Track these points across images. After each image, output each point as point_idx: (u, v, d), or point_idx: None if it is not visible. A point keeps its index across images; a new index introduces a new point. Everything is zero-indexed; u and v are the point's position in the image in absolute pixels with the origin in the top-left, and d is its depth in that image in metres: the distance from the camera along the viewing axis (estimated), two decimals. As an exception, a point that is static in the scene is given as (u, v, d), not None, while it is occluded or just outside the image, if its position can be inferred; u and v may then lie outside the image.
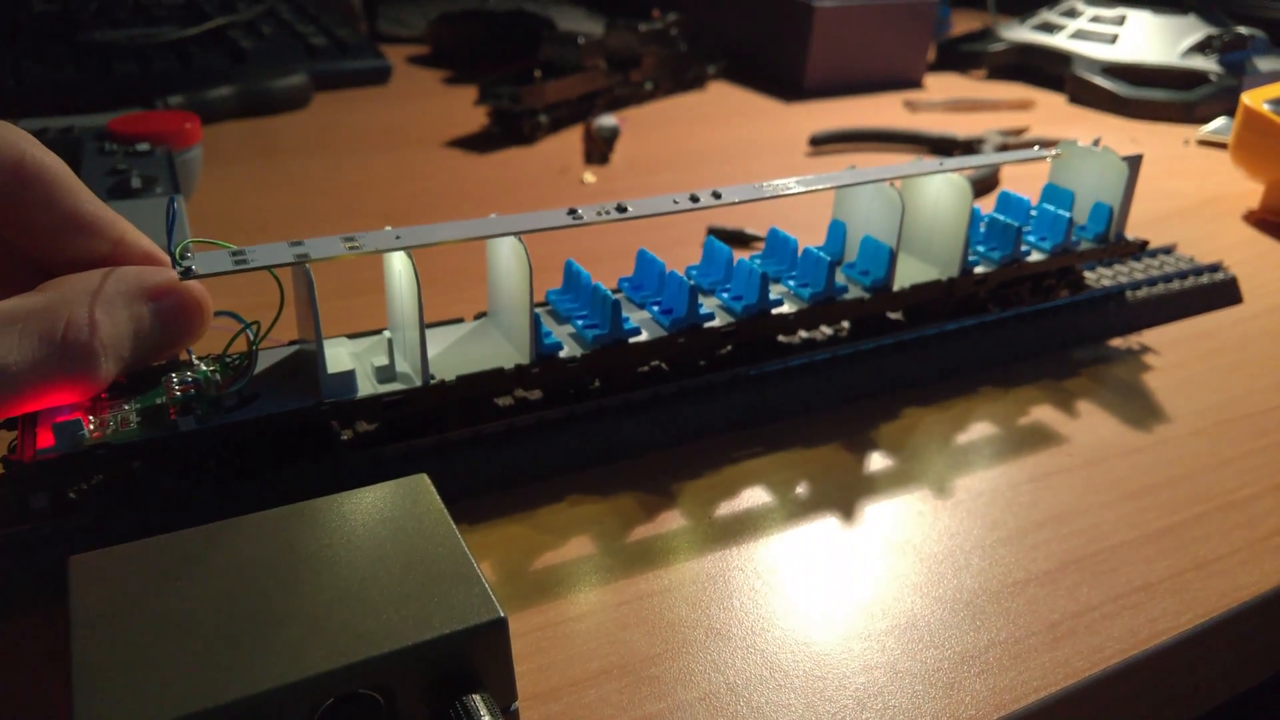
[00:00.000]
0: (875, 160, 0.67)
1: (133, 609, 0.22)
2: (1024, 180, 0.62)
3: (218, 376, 0.30)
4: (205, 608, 0.22)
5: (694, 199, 0.33)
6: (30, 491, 0.28)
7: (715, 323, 0.34)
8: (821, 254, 0.36)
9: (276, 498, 0.28)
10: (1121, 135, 0.75)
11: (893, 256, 0.36)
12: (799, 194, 0.35)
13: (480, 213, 0.54)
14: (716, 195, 0.33)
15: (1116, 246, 0.42)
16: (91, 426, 0.28)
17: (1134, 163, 0.41)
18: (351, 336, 0.33)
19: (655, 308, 0.34)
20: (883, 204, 0.37)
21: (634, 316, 0.34)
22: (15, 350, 0.24)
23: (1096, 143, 0.42)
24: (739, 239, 0.51)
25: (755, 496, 0.33)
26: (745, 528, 0.31)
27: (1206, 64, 0.81)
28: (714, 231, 0.51)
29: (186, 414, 0.28)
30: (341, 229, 0.51)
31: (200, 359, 0.31)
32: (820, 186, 0.35)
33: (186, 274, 0.27)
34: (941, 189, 0.38)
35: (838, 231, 0.39)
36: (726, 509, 0.32)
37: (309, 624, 0.22)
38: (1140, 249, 0.43)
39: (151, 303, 0.27)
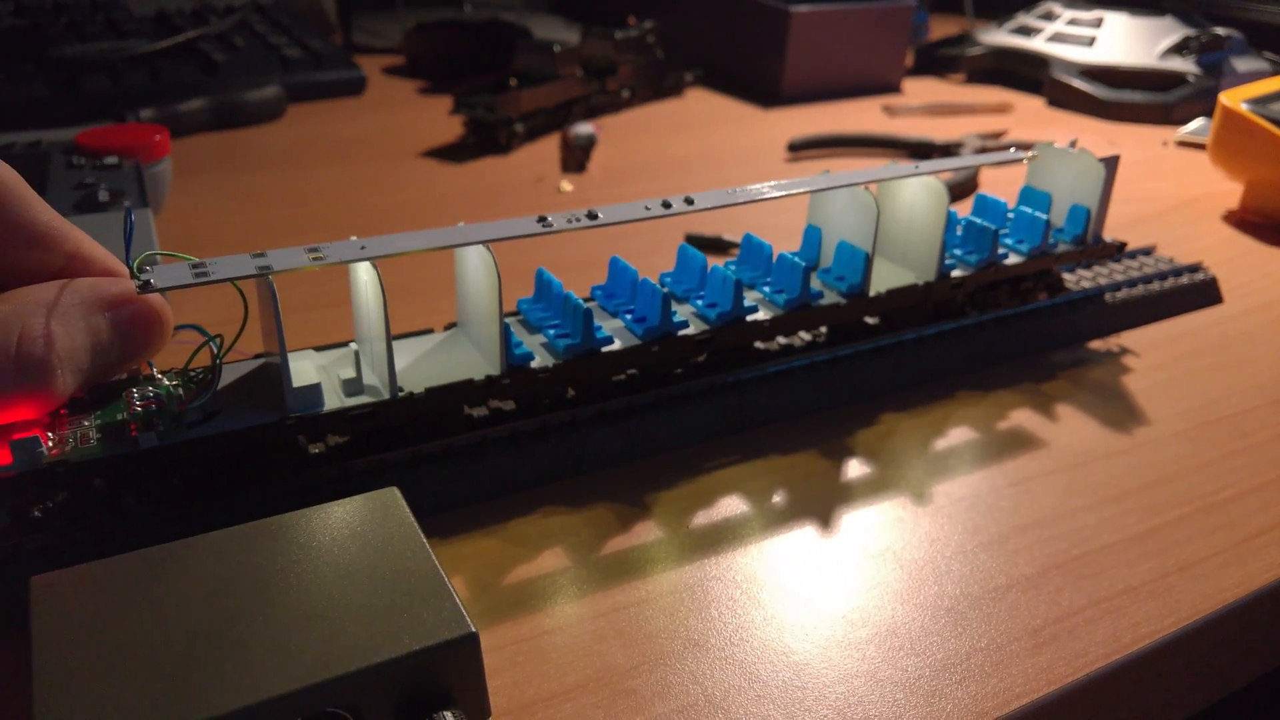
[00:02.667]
0: (853, 165, 0.66)
1: (95, 629, 0.22)
2: (1002, 183, 0.62)
3: (180, 391, 0.30)
4: (170, 628, 0.22)
5: (666, 205, 0.33)
6: (-13, 512, 0.27)
7: (689, 331, 0.34)
8: (796, 260, 0.35)
9: (243, 514, 0.28)
10: (1100, 137, 0.75)
11: (868, 261, 0.36)
12: (773, 199, 0.34)
13: (458, 220, 0.54)
14: (689, 201, 0.33)
15: (1094, 248, 0.42)
16: (50, 444, 0.27)
17: (1110, 164, 0.41)
18: (318, 349, 0.32)
19: (628, 316, 0.34)
20: (858, 208, 0.36)
21: (607, 325, 0.34)
22: None
23: (1073, 144, 0.42)
24: (716, 245, 0.50)
25: (732, 505, 0.32)
26: (722, 537, 0.31)
27: (1184, 65, 0.81)
28: (691, 238, 0.51)
29: (148, 430, 0.28)
30: (313, 241, 0.51)
31: (163, 373, 0.30)
32: (795, 191, 0.35)
33: (145, 287, 0.26)
34: (917, 192, 0.38)
35: (813, 237, 0.39)
36: (703, 518, 0.31)
37: (276, 643, 0.21)
38: (1118, 250, 0.43)
39: (109, 314, 0.27)
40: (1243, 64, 0.83)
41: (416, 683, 0.21)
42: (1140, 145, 0.74)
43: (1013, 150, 0.41)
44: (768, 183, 0.35)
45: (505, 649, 0.26)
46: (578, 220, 0.31)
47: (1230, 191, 0.62)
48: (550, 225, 0.31)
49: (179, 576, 0.23)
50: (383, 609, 0.22)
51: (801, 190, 0.35)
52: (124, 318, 0.27)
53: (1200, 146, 0.72)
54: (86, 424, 0.28)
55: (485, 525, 0.31)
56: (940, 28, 1.07)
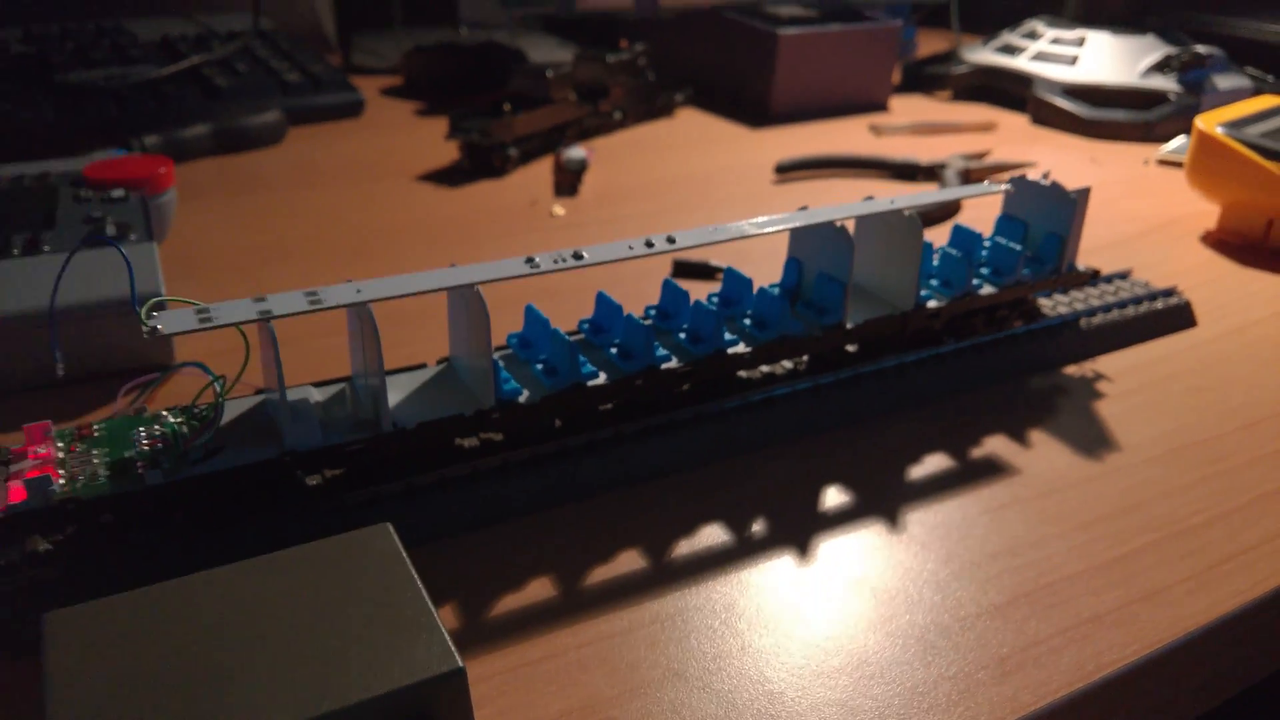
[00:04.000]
0: (840, 186, 0.68)
1: (105, 664, 0.23)
2: (986, 207, 0.64)
3: (185, 429, 0.31)
4: (172, 663, 0.23)
5: (649, 244, 0.34)
6: (2, 546, 0.28)
7: (672, 364, 0.35)
8: (775, 293, 0.37)
9: (244, 546, 0.29)
10: (1082, 155, 0.76)
11: (845, 294, 0.37)
12: (752, 236, 0.36)
13: (452, 246, 0.55)
14: (671, 240, 0.34)
15: (1067, 277, 0.43)
16: (62, 481, 0.28)
17: (1082, 195, 0.42)
18: (316, 384, 0.34)
19: (613, 350, 0.35)
20: (835, 243, 0.38)
21: (593, 359, 0.35)
22: None
23: (1046, 176, 0.43)
24: (704, 271, 0.52)
25: (714, 534, 0.33)
26: (704, 566, 0.32)
27: (1166, 83, 0.83)
28: (679, 264, 0.52)
29: (154, 467, 0.29)
30: (313, 265, 0.53)
31: (169, 411, 0.32)
32: (772, 230, 0.36)
33: (153, 333, 0.27)
34: (893, 226, 0.39)
35: (793, 268, 0.40)
36: (685, 547, 0.33)
37: (269, 680, 0.22)
38: (1091, 279, 0.44)
39: None
40: (1224, 81, 0.84)
41: (407, 716, 0.23)
42: (1122, 163, 0.75)
43: (987, 183, 0.42)
44: (748, 220, 0.36)
45: (493, 679, 0.27)
46: (564, 261, 0.33)
47: (1208, 212, 0.63)
48: (538, 266, 0.32)
49: (181, 614, 0.24)
50: (374, 645, 0.24)
51: (780, 228, 0.36)
52: None
53: (1180, 165, 0.73)
54: (96, 461, 0.29)
55: (476, 554, 0.32)
56: (928, 43, 1.08)
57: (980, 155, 0.72)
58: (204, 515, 0.30)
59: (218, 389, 0.31)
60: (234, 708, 0.22)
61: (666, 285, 0.38)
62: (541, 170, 0.68)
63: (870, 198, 0.40)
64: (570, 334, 0.36)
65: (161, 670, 0.23)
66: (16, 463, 0.29)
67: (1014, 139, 0.80)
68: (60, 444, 0.30)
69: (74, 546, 0.29)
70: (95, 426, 0.31)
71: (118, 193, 0.48)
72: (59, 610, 0.25)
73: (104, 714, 0.22)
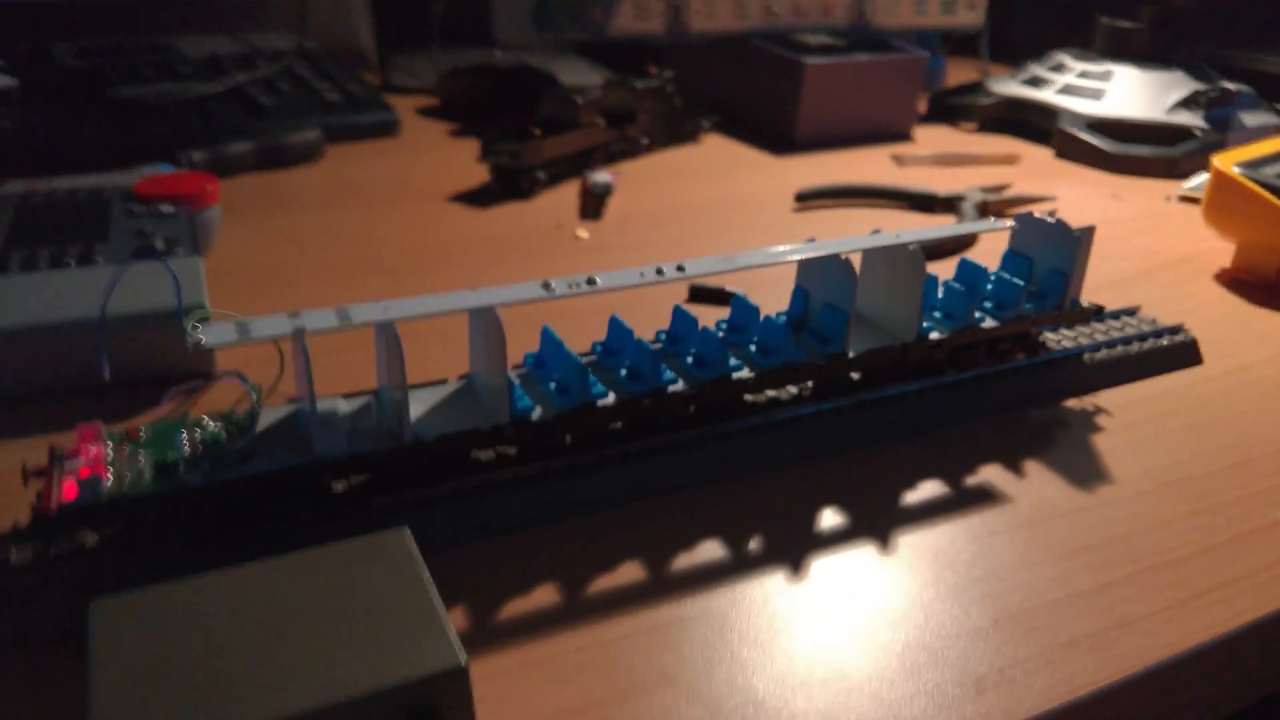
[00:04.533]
0: (858, 215, 0.70)
1: (143, 650, 0.25)
2: (999, 241, 0.65)
3: (223, 435, 0.33)
4: (203, 653, 0.25)
5: (659, 271, 0.36)
6: (53, 539, 0.31)
7: (678, 386, 0.37)
8: (780, 321, 0.38)
9: (275, 545, 0.31)
10: (1103, 191, 0.78)
11: (847, 323, 0.39)
12: (760, 266, 0.38)
13: (478, 267, 0.58)
14: (680, 268, 0.36)
15: (1070, 313, 0.45)
16: (110, 480, 0.31)
17: (1086, 234, 0.44)
18: (345, 396, 0.36)
19: (623, 372, 0.37)
20: (840, 274, 0.39)
21: (603, 379, 0.37)
22: None
23: (1053, 213, 0.45)
24: (718, 295, 0.54)
25: (710, 550, 0.35)
26: (700, 579, 0.34)
27: (1192, 119, 0.84)
28: (695, 289, 0.54)
29: (195, 470, 0.31)
30: (346, 281, 0.55)
31: (209, 417, 0.34)
32: (781, 260, 0.38)
33: (196, 345, 0.30)
34: (898, 259, 0.41)
35: (800, 297, 0.42)
36: (684, 561, 0.35)
37: (286, 669, 0.25)
38: (1093, 315, 0.46)
39: None
40: (1251, 118, 0.85)
41: (411, 709, 0.25)
42: (1144, 199, 0.76)
43: (994, 220, 0.44)
44: (757, 250, 0.38)
45: (496, 678, 0.29)
46: (578, 286, 0.35)
47: (1224, 250, 0.64)
48: (553, 291, 0.34)
49: (214, 606, 0.27)
50: (385, 640, 0.26)
51: (789, 259, 0.38)
52: None
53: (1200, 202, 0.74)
54: (142, 462, 0.32)
55: (488, 561, 0.34)
56: (957, 73, 1.09)
57: (1000, 189, 0.74)
58: (239, 515, 0.32)
59: (254, 398, 0.33)
60: (252, 695, 0.24)
61: (677, 311, 0.40)
62: (568, 193, 0.70)
63: (878, 230, 0.41)
64: (583, 355, 0.38)
65: (192, 658, 0.25)
66: (70, 461, 0.32)
67: (1037, 172, 0.81)
68: (110, 444, 0.32)
69: (120, 541, 0.31)
70: (142, 429, 0.33)
71: (166, 208, 0.51)
72: (102, 599, 0.27)
73: (141, 696, 0.24)
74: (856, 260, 0.40)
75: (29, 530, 0.31)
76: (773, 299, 0.42)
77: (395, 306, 0.33)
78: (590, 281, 0.35)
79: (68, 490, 0.30)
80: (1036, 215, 0.45)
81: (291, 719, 0.24)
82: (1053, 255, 0.45)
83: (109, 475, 0.31)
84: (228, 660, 0.25)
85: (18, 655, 0.29)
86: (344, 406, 0.35)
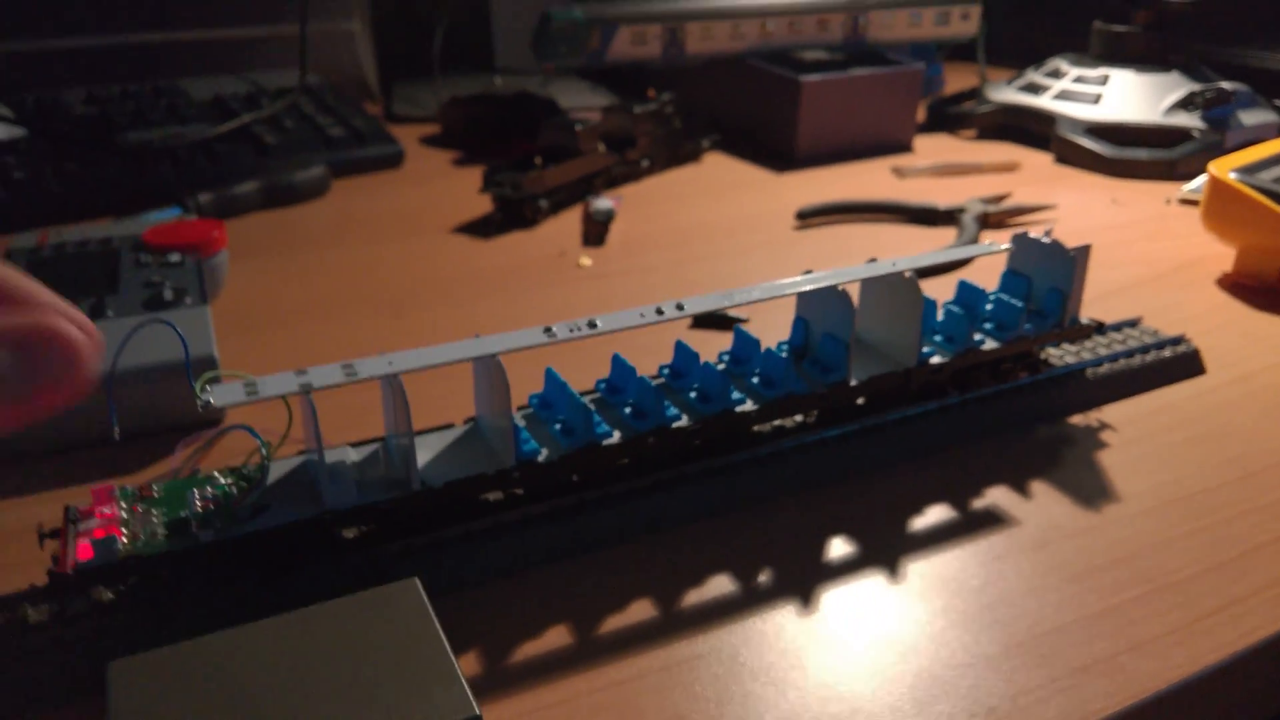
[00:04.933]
0: (858, 231, 0.70)
1: (162, 709, 0.26)
2: (997, 257, 0.65)
3: (234, 490, 0.34)
4: (220, 708, 0.26)
5: (659, 311, 0.36)
6: (71, 597, 0.31)
7: (682, 422, 0.37)
8: (781, 352, 0.39)
9: (288, 597, 0.32)
10: (1103, 196, 0.78)
11: (848, 353, 0.39)
12: (760, 300, 0.38)
13: (484, 299, 0.58)
14: (680, 307, 0.37)
15: (1069, 331, 0.45)
16: (125, 540, 0.31)
17: (1082, 253, 0.44)
18: (353, 445, 0.36)
19: (627, 410, 0.38)
20: (837, 305, 0.40)
21: (607, 418, 0.37)
22: None
23: (1048, 234, 0.45)
24: (722, 321, 0.54)
25: (720, 585, 0.35)
26: (711, 615, 0.34)
27: (1189, 121, 0.84)
28: (697, 316, 0.54)
29: (207, 526, 0.32)
30: (354, 319, 0.56)
31: (220, 472, 0.35)
32: (778, 295, 0.38)
33: (205, 406, 0.30)
34: (895, 287, 0.41)
35: (800, 328, 0.42)
36: (694, 596, 0.35)
37: (307, 725, 0.25)
38: (1093, 332, 0.46)
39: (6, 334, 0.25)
40: (1250, 117, 0.84)
41: (428, 760, 0.25)
42: (1144, 203, 0.76)
43: (990, 243, 0.44)
44: (755, 286, 0.38)
45: (511, 723, 0.30)
46: (579, 330, 0.35)
47: (1225, 254, 0.64)
48: (554, 336, 0.35)
49: (229, 663, 0.27)
50: (399, 692, 0.26)
51: (786, 293, 0.39)
52: (20, 339, 0.25)
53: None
54: (155, 520, 0.32)
55: (498, 602, 0.34)
56: (955, 79, 1.10)
57: (1000, 198, 0.74)
58: (252, 569, 0.33)
59: (264, 453, 0.34)
60: (274, 752, 0.24)
61: (679, 346, 0.40)
62: (571, 220, 0.71)
63: (874, 259, 0.42)
64: (587, 394, 0.39)
65: (211, 713, 0.26)
66: (85, 521, 0.32)
67: (1037, 179, 0.81)
68: (123, 504, 0.33)
69: (135, 598, 0.32)
70: (154, 487, 0.34)
71: (174, 257, 0.51)
72: (122, 659, 0.28)
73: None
74: (854, 289, 0.40)
75: (46, 590, 0.31)
76: (775, 322, 0.43)
77: (400, 359, 0.33)
78: (591, 324, 0.35)
79: (83, 551, 0.31)
80: (1032, 235, 0.45)
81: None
82: (1050, 274, 0.45)
83: (123, 535, 0.31)
84: (246, 716, 0.25)
85: (36, 713, 0.30)
86: (352, 455, 0.36)
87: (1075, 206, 0.75)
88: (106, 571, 0.31)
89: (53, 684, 0.30)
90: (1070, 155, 0.85)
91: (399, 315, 0.56)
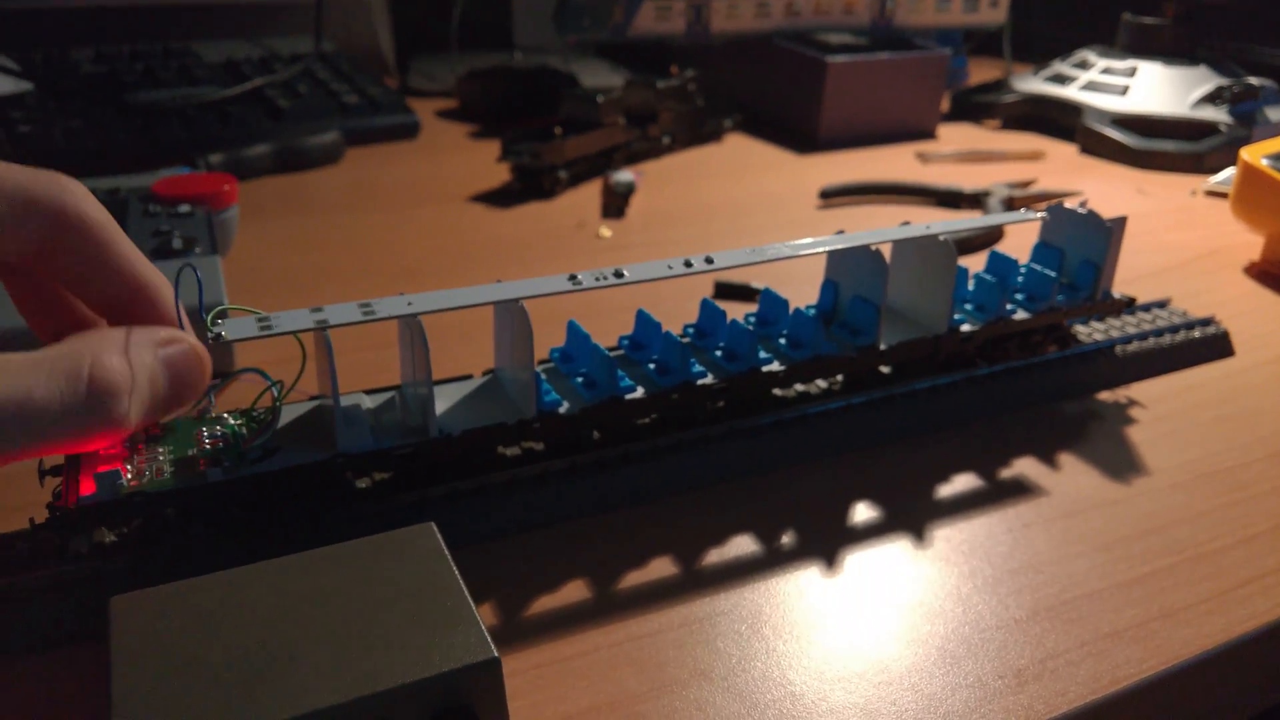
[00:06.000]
0: (882, 212, 0.69)
1: (166, 647, 0.25)
2: (1028, 234, 0.64)
3: (244, 430, 0.33)
4: (230, 647, 0.25)
5: (687, 264, 0.35)
6: (72, 535, 0.30)
7: (707, 380, 0.36)
8: (810, 314, 0.38)
9: (297, 542, 0.31)
10: (1129, 186, 0.77)
11: (878, 316, 0.38)
12: (789, 258, 0.37)
13: (500, 267, 0.57)
14: (709, 260, 0.36)
15: (1102, 304, 0.44)
16: (129, 476, 0.30)
17: (1118, 225, 0.43)
18: (369, 392, 0.35)
19: (651, 365, 0.37)
20: (870, 266, 0.39)
21: (631, 374, 0.36)
22: (42, 386, 0.25)
23: (1083, 205, 0.44)
24: (744, 292, 0.53)
25: (743, 545, 0.34)
26: (732, 574, 0.33)
27: (1217, 115, 0.82)
28: (720, 285, 0.53)
29: (215, 465, 0.31)
30: (368, 283, 0.55)
31: (229, 413, 0.34)
32: (808, 252, 0.37)
33: (217, 339, 0.29)
34: (928, 251, 0.40)
35: (829, 290, 0.41)
36: (715, 556, 0.34)
37: (318, 663, 0.24)
38: (1125, 306, 0.45)
39: (162, 351, 0.28)
40: (1276, 113, 0.83)
41: (444, 702, 0.24)
42: (1169, 194, 0.75)
43: (1024, 211, 0.43)
44: (786, 243, 0.37)
45: (528, 672, 0.29)
46: (605, 279, 0.34)
47: (1253, 243, 0.63)
48: (580, 283, 0.34)
49: (238, 601, 0.26)
50: (415, 634, 0.25)
51: (817, 250, 0.38)
52: (175, 357, 0.28)
53: (1227, 196, 0.73)
54: (161, 458, 0.31)
55: (515, 557, 0.33)
56: (980, 71, 1.09)
57: (1025, 184, 0.73)
58: (260, 511, 0.32)
59: (275, 393, 0.33)
60: (282, 690, 0.23)
61: (705, 305, 0.39)
62: (590, 193, 0.70)
63: (907, 223, 0.41)
64: (610, 349, 0.38)
65: (217, 653, 0.25)
66: (88, 457, 0.31)
67: (1062, 169, 0.80)
68: (128, 441, 0.32)
69: (139, 538, 0.31)
70: (161, 425, 0.33)
71: (184, 208, 0.50)
72: (123, 595, 0.26)
73: (164, 694, 0.23)
74: (886, 252, 0.39)
75: (47, 526, 0.30)
76: (798, 295, 0.42)
77: (420, 300, 0.32)
78: (618, 274, 0.34)
79: (85, 485, 0.30)
80: (1067, 206, 0.44)
81: (319, 713, 0.23)
82: (1084, 246, 0.44)
83: (128, 471, 0.30)
84: (253, 655, 0.24)
85: (38, 652, 0.29)
86: (367, 402, 0.35)
87: (1101, 195, 0.74)
88: (110, 508, 0.30)
89: (54, 624, 0.29)
90: (1096, 146, 0.84)
91: (414, 281, 0.55)
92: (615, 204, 0.66)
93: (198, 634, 0.25)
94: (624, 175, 0.67)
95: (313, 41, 0.85)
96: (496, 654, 0.25)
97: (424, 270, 0.57)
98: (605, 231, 0.62)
